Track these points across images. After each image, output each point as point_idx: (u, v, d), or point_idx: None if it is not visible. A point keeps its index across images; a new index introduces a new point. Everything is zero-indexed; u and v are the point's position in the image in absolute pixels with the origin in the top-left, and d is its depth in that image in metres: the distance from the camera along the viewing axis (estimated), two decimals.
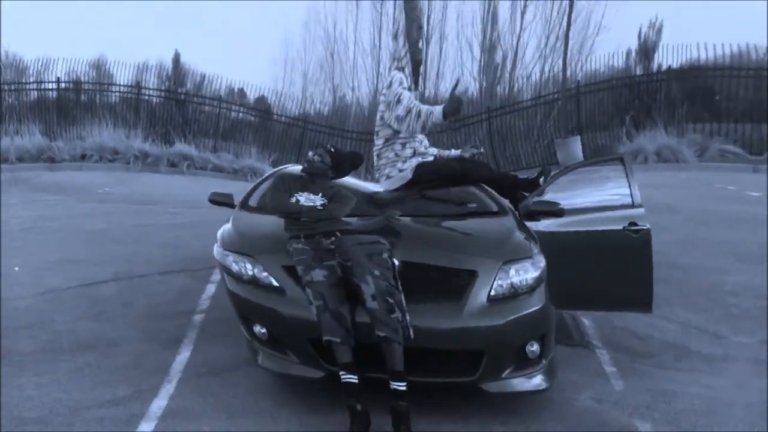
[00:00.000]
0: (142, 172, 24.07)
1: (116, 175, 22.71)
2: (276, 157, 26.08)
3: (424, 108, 6.45)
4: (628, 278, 6.87)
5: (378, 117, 6.96)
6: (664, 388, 6.37)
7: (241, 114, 29.12)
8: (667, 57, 25.94)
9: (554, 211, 6.82)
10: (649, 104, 25.00)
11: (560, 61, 28.72)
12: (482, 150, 7.75)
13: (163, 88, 29.28)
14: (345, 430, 4.97)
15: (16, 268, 9.68)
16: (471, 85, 33.68)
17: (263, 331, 5.52)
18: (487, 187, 7.32)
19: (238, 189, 8.35)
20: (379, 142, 6.99)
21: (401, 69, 6.93)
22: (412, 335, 5.06)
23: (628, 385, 6.41)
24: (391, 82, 6.78)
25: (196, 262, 9.88)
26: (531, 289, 5.56)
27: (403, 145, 6.94)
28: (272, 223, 6.07)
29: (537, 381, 5.44)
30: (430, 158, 7.06)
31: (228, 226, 6.53)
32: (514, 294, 5.47)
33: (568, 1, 25.62)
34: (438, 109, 6.33)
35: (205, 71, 30.14)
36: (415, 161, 6.92)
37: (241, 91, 30.46)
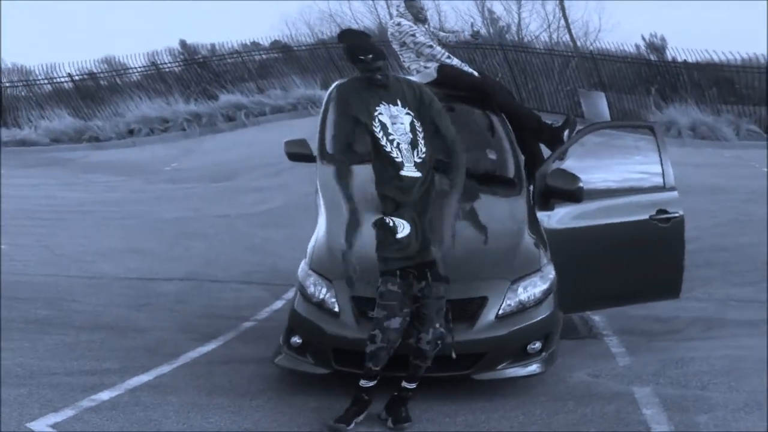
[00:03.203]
0: (203, 135, 22.40)
1: (178, 146, 21.14)
2: (322, 76, 25.08)
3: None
4: (657, 269, 6.45)
5: (389, 33, 7.12)
6: (680, 356, 6.23)
7: (264, 56, 28.78)
8: (680, 54, 24.79)
9: (572, 191, 6.23)
10: (674, 83, 24.00)
11: (566, 37, 28.08)
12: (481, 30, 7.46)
13: (179, 60, 28.55)
14: (339, 414, 5.12)
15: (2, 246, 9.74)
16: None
17: (299, 341, 5.75)
18: (511, 137, 6.85)
19: (307, 129, 7.73)
20: (396, 47, 7.11)
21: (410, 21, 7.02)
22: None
23: (635, 360, 6.25)
24: (399, 23, 6.95)
25: (278, 275, 9.24)
26: (539, 302, 5.67)
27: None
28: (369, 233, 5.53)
29: (532, 368, 5.64)
30: (453, 61, 6.99)
31: (321, 232, 6.15)
32: (522, 309, 5.62)
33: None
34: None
35: (213, 41, 29.79)
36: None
37: (255, 43, 30.32)
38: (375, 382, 5.15)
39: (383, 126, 5.17)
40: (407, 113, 5.24)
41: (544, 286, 5.69)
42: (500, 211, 6.32)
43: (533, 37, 32.10)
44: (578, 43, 26.97)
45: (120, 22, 50.57)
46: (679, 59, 24.59)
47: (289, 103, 23.53)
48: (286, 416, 5.21)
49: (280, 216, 12.43)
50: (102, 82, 27.66)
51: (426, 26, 7.18)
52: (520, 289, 5.63)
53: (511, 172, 6.62)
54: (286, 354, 5.79)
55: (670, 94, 23.43)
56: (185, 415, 5.15)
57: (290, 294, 8.09)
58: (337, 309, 5.65)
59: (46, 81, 27.48)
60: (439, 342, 5.14)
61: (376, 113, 5.19)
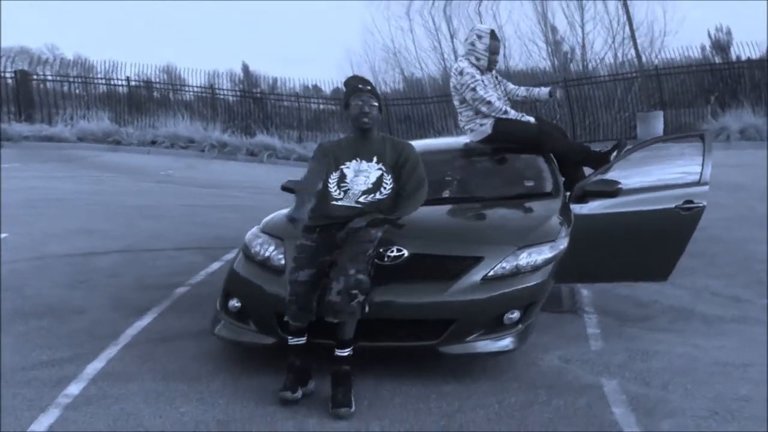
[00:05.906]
0: (215, 159, 22.50)
1: (186, 161, 21.44)
2: None
3: (502, 108, 7.00)
4: (660, 252, 6.47)
5: (451, 85, 7.19)
6: (646, 348, 6.01)
7: (321, 106, 28.63)
8: (744, 51, 25.96)
9: (610, 191, 6.33)
10: (734, 87, 24.41)
11: (632, 51, 28.00)
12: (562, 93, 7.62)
13: (237, 89, 28.53)
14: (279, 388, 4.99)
15: (3, 235, 9.69)
16: (541, 63, 32.85)
17: (237, 304, 5.51)
18: (553, 166, 7.06)
19: None
20: (456, 103, 7.23)
21: (474, 65, 7.09)
22: (367, 309, 4.99)
23: (606, 346, 6.08)
24: (462, 71, 7.03)
25: (219, 242, 9.42)
26: (535, 269, 5.37)
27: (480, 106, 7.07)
28: None
29: (505, 342, 5.23)
30: (510, 114, 7.05)
31: (283, 212, 6.16)
32: (515, 274, 5.31)
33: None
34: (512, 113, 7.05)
35: (275, 75, 30.32)
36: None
37: (316, 87, 30.43)
38: (302, 339, 5.02)
39: (341, 177, 5.36)
40: (378, 168, 5.40)
41: (548, 255, 5.46)
42: (536, 206, 6.27)
43: (598, 61, 31.97)
44: (643, 58, 26.91)
45: (187, 27, 50.10)
46: (743, 57, 25.35)
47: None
48: (252, 402, 5.00)
49: (242, 206, 12.60)
50: (155, 94, 27.70)
51: (492, 74, 7.25)
52: (524, 254, 5.36)
53: (548, 189, 6.69)
54: (226, 322, 5.52)
55: (728, 101, 23.57)
56: (155, 405, 4.98)
57: (228, 256, 8.28)
58: (282, 263, 5.44)
59: (103, 81, 27.52)
60: (354, 292, 4.82)
61: (342, 166, 5.39)
